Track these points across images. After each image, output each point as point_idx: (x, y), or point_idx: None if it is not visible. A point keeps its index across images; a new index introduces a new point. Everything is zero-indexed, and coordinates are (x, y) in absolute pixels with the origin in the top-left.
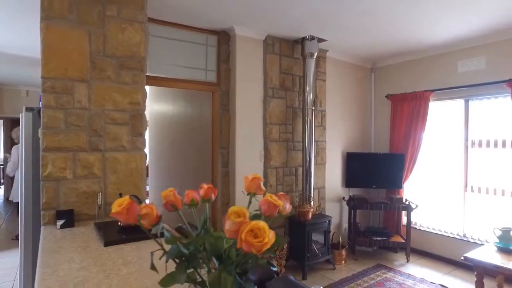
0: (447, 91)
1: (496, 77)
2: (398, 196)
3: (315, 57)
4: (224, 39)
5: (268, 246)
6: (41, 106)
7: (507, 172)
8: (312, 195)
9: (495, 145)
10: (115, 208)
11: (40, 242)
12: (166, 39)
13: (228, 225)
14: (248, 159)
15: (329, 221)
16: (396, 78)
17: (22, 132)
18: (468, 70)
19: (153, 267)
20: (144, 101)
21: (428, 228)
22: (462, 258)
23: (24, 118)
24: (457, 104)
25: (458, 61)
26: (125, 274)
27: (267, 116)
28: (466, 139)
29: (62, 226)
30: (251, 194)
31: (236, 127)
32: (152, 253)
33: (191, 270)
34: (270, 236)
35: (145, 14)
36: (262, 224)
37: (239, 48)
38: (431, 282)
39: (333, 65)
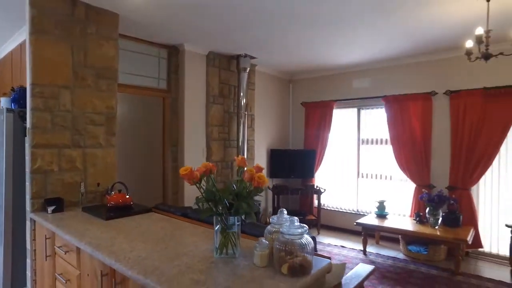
0: (346, 102)
1: (377, 93)
2: (311, 184)
3: (247, 71)
4: (174, 53)
5: (264, 184)
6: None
7: (386, 162)
8: None
9: (377, 142)
10: (182, 172)
11: (44, 223)
12: (125, 50)
13: (249, 175)
14: (194, 155)
15: (258, 205)
16: (309, 89)
17: (3, 131)
18: (360, 86)
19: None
20: (116, 106)
21: (333, 207)
22: (355, 223)
23: (5, 119)
24: (353, 112)
25: (353, 80)
26: (137, 232)
27: (209, 119)
28: (359, 138)
29: (53, 211)
30: (241, 168)
31: (184, 128)
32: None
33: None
34: (263, 180)
35: (117, 33)
36: (261, 174)
37: (186, 61)
38: (335, 245)
39: (260, 77)
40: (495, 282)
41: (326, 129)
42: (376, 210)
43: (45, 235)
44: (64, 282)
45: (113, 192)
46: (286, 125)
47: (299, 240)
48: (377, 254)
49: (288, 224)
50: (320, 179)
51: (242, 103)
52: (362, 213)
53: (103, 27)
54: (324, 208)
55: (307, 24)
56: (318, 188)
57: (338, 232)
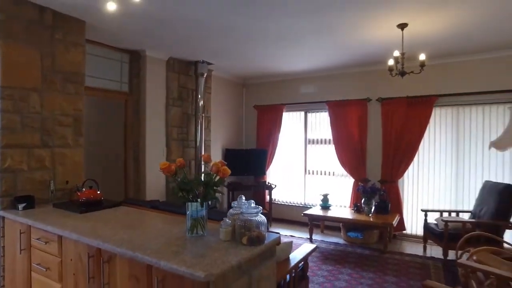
0: (294, 105)
1: (322, 98)
2: (263, 180)
3: (204, 76)
4: (135, 58)
5: (227, 175)
6: None
7: (330, 160)
8: None
9: (322, 142)
10: (161, 166)
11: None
12: (89, 54)
13: (215, 168)
14: (154, 154)
15: (215, 201)
16: (261, 93)
17: None
18: (306, 92)
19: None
20: (83, 108)
21: (283, 201)
22: (302, 215)
23: None
24: (300, 115)
25: (300, 85)
26: (115, 222)
27: (169, 120)
28: (306, 139)
29: (24, 208)
30: (207, 163)
31: (146, 129)
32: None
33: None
34: (227, 172)
35: (84, 39)
36: (225, 167)
37: (148, 66)
38: (285, 235)
39: (217, 82)
40: (412, 256)
41: (277, 130)
42: (321, 202)
43: (20, 230)
44: (44, 270)
45: (84, 189)
46: (240, 126)
47: (255, 218)
48: (322, 241)
49: (246, 206)
50: (271, 176)
51: (200, 106)
52: (308, 206)
53: (70, 33)
54: (275, 203)
55: (260, 38)
56: (269, 184)
57: (288, 224)
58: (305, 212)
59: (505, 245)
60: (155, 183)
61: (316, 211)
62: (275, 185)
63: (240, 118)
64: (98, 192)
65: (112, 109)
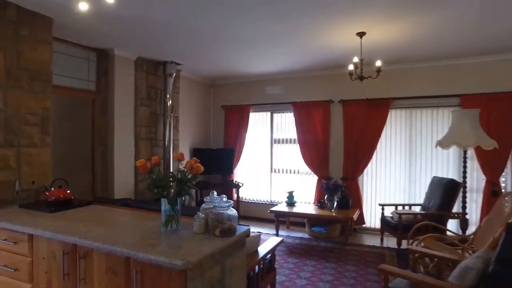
0: (260, 106)
1: (287, 99)
2: (231, 179)
3: (173, 76)
4: (103, 56)
5: (200, 171)
6: None
7: (295, 158)
8: None
9: (287, 142)
10: (138, 164)
11: None
12: (56, 52)
13: (189, 165)
14: (123, 153)
15: (184, 199)
16: (228, 94)
17: None
18: (272, 93)
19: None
20: (51, 106)
21: (250, 199)
22: (269, 211)
23: None
24: (266, 115)
25: (266, 87)
26: (88, 219)
27: (137, 120)
28: (271, 138)
29: None
30: (180, 161)
31: (114, 128)
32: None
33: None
34: (200, 168)
35: (51, 36)
36: (198, 164)
37: (116, 65)
38: (252, 232)
39: (185, 82)
40: (370, 247)
41: (244, 130)
42: (286, 199)
43: None
44: (12, 271)
45: (52, 188)
46: (207, 126)
47: (227, 212)
48: (288, 236)
49: (218, 200)
50: (238, 174)
51: (168, 106)
52: (275, 203)
53: (37, 30)
54: (242, 201)
55: (229, 42)
56: (236, 183)
57: (255, 221)
58: (271, 209)
59: (448, 232)
60: (123, 182)
61: (282, 207)
62: (242, 184)
63: (208, 118)
64: (68, 191)
65: (80, 108)
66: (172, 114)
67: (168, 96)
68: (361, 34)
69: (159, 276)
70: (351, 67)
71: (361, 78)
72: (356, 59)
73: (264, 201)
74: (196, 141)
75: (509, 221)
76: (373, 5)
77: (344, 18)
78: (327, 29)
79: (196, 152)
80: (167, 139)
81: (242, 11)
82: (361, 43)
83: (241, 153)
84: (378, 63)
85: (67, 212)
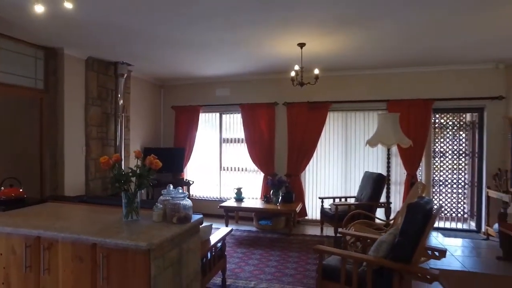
0: (210, 107)
1: (236, 101)
2: (181, 177)
3: (124, 76)
4: (51, 54)
5: (159, 167)
6: None
7: (242, 157)
8: None
9: (236, 141)
10: (102, 160)
11: None
12: None
13: (149, 161)
14: (74, 153)
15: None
16: (179, 94)
17: None
18: (221, 95)
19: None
20: None
21: (200, 196)
22: (219, 206)
23: None
24: (216, 116)
25: (216, 89)
26: (47, 214)
27: (88, 119)
28: (221, 138)
29: None
30: (140, 158)
31: (64, 127)
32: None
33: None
34: (158, 164)
35: None
36: (157, 160)
37: (66, 64)
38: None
39: (136, 82)
40: (311, 236)
41: (194, 130)
42: (235, 195)
43: None
44: None
45: (2, 187)
46: (158, 126)
47: (182, 202)
48: (237, 229)
49: (175, 192)
50: (189, 173)
51: (120, 105)
52: (224, 199)
53: None
54: (193, 198)
55: (184, 46)
56: (187, 181)
57: (206, 217)
58: (221, 204)
59: (376, 220)
60: (74, 182)
61: (231, 203)
62: (193, 181)
63: (158, 118)
64: (21, 190)
65: (26, 107)
66: (123, 114)
67: (119, 96)
68: (301, 45)
69: (125, 259)
70: (292, 73)
71: (301, 84)
72: (297, 67)
73: (214, 198)
74: (147, 140)
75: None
76: (310, 22)
77: (286, 30)
78: (272, 40)
79: (147, 152)
80: (118, 138)
81: (198, 20)
82: (301, 53)
83: (192, 152)
84: (316, 71)
85: (21, 210)
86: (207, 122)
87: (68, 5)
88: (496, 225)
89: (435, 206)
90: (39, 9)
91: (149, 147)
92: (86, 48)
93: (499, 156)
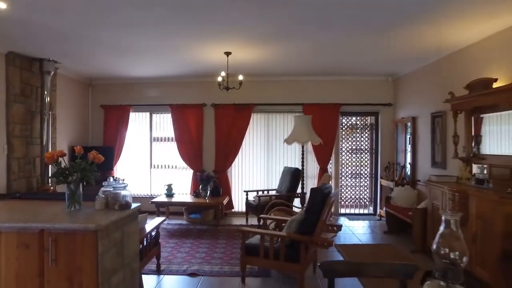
0: (141, 107)
1: (166, 101)
2: (111, 175)
3: (51, 74)
4: None
5: (101, 161)
6: None
7: (172, 155)
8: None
9: (166, 140)
10: (47, 155)
11: None
12: None
13: (92, 156)
14: None
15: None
16: (108, 93)
17: None
18: (152, 95)
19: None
20: None
21: (132, 194)
22: (150, 202)
23: None
24: (146, 115)
25: (147, 89)
26: (17, 207)
27: (10, 117)
28: (151, 137)
29: None
30: (79, 154)
31: None
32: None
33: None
34: (101, 158)
35: None
36: (99, 155)
37: None
38: None
39: (62, 80)
40: (238, 225)
41: (124, 129)
42: (166, 191)
43: None
44: None
45: None
46: (86, 124)
47: (123, 191)
48: (168, 223)
49: (116, 183)
50: (119, 171)
51: (46, 103)
52: (155, 196)
53: None
54: None
55: (115, 49)
56: (117, 178)
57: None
58: (152, 200)
59: (294, 208)
60: None
61: (162, 199)
62: (123, 179)
63: (87, 116)
64: None
65: None
66: (50, 112)
67: (45, 93)
68: (227, 53)
69: (74, 241)
70: (219, 79)
71: (227, 88)
72: (223, 73)
73: (144, 195)
74: (75, 139)
75: (312, 186)
76: (237, 35)
77: (214, 39)
78: (201, 47)
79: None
80: (44, 137)
81: (127, 26)
82: (227, 60)
83: (121, 150)
84: (241, 77)
85: None
86: (137, 121)
87: (2, 6)
88: (384, 207)
89: (333, 191)
90: None
91: (77, 145)
92: (7, 42)
93: (389, 152)
